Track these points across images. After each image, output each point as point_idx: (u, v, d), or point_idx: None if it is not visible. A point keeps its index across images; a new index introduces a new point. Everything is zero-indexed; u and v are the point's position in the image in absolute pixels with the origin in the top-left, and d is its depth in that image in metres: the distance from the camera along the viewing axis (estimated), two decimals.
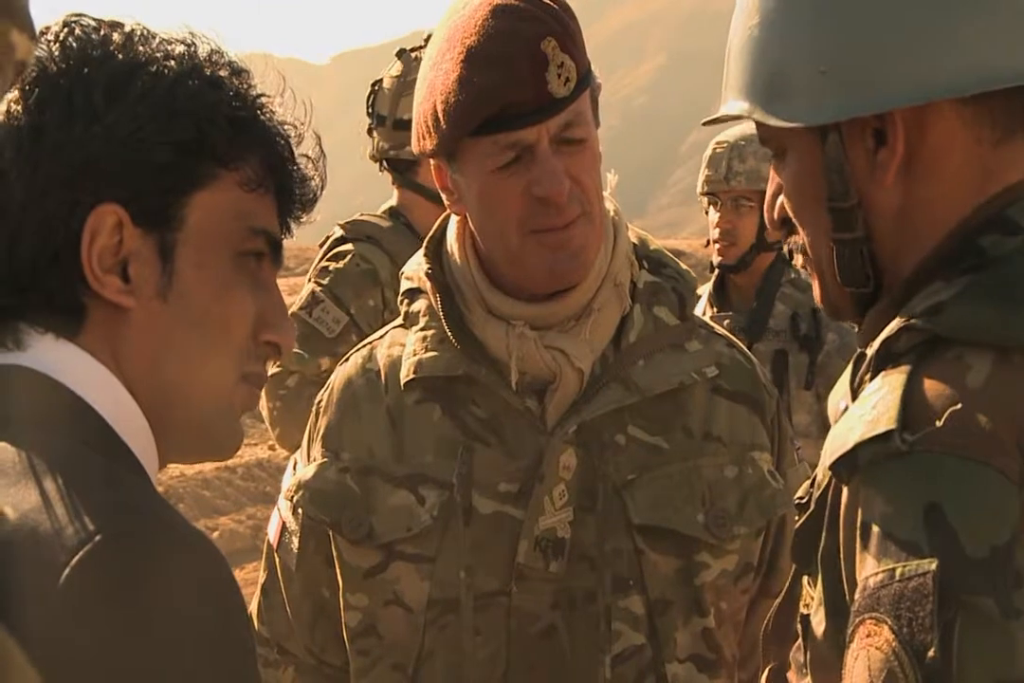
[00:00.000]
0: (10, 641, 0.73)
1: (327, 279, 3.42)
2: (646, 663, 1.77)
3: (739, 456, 1.84)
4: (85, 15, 1.20)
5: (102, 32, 1.18)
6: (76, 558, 0.96)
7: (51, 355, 1.13)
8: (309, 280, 3.50)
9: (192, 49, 1.21)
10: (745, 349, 1.95)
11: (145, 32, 1.20)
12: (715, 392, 1.86)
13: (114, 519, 1.01)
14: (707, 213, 4.16)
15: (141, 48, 1.18)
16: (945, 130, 1.24)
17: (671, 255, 1.93)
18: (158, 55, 1.18)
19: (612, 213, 1.85)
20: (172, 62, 1.18)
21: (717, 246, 4.09)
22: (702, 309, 4.09)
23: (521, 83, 1.65)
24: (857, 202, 1.26)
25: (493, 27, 1.66)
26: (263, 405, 3.44)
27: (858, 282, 1.29)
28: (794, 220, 1.34)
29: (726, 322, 3.91)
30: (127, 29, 1.20)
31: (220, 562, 1.04)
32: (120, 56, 1.17)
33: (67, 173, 1.13)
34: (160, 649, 0.97)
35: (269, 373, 3.38)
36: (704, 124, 1.45)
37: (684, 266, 1.92)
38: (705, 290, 4.15)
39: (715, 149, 4.11)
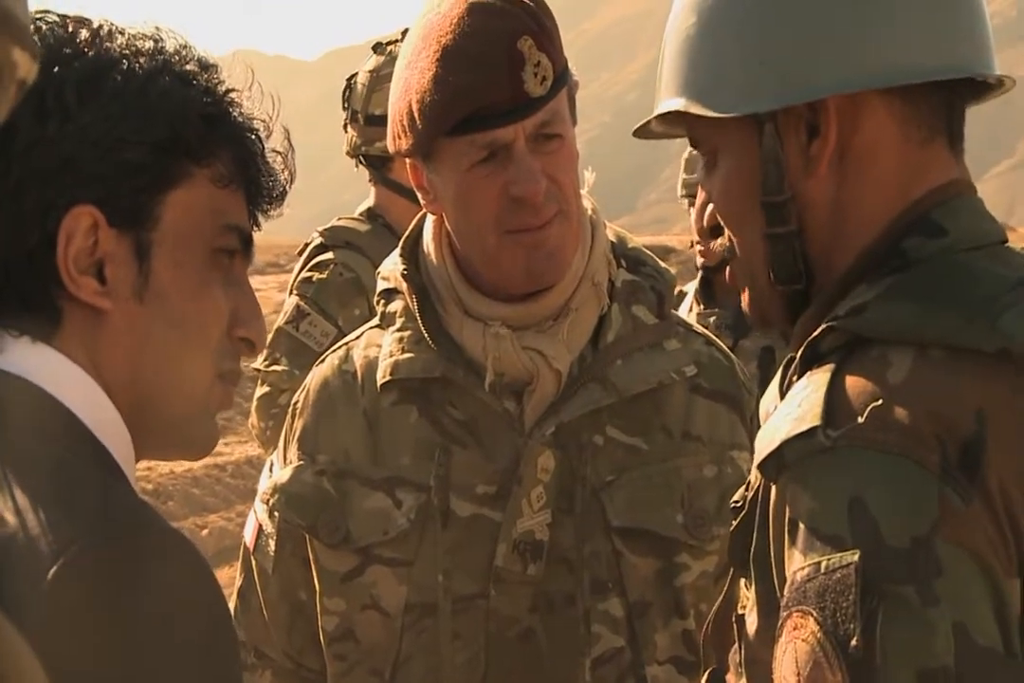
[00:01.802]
0: (20, 638, 0.72)
1: (311, 291, 3.35)
2: (626, 666, 1.76)
3: (718, 455, 1.83)
4: (50, 11, 1.18)
5: (69, 28, 1.16)
6: (55, 568, 0.95)
7: (27, 358, 1.11)
8: (291, 292, 3.43)
9: (160, 45, 1.19)
10: (724, 347, 1.94)
11: (112, 28, 1.18)
12: (694, 391, 1.85)
13: (91, 526, 1.00)
14: (689, 214, 4.17)
15: (109, 45, 1.17)
16: (876, 125, 1.27)
17: (649, 253, 1.92)
18: (127, 52, 1.17)
19: (589, 211, 1.84)
20: (142, 59, 1.17)
21: (699, 248, 4.10)
22: (688, 306, 4.08)
23: (497, 82, 1.63)
24: (791, 196, 1.28)
25: (469, 25, 1.64)
26: (255, 424, 3.40)
27: (791, 279, 1.31)
28: (724, 222, 1.36)
29: (712, 319, 3.91)
30: (94, 25, 1.18)
31: (201, 567, 1.03)
32: (89, 53, 1.15)
33: (41, 174, 1.11)
34: (143, 657, 0.96)
35: (259, 394, 3.33)
36: (634, 134, 1.46)
37: (663, 264, 1.91)
38: (691, 287, 4.15)
39: (691, 152, 4.12)
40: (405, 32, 3.55)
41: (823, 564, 1.08)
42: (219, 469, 11.11)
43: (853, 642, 1.05)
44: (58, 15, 1.18)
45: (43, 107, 1.11)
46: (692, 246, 4.28)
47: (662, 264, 1.90)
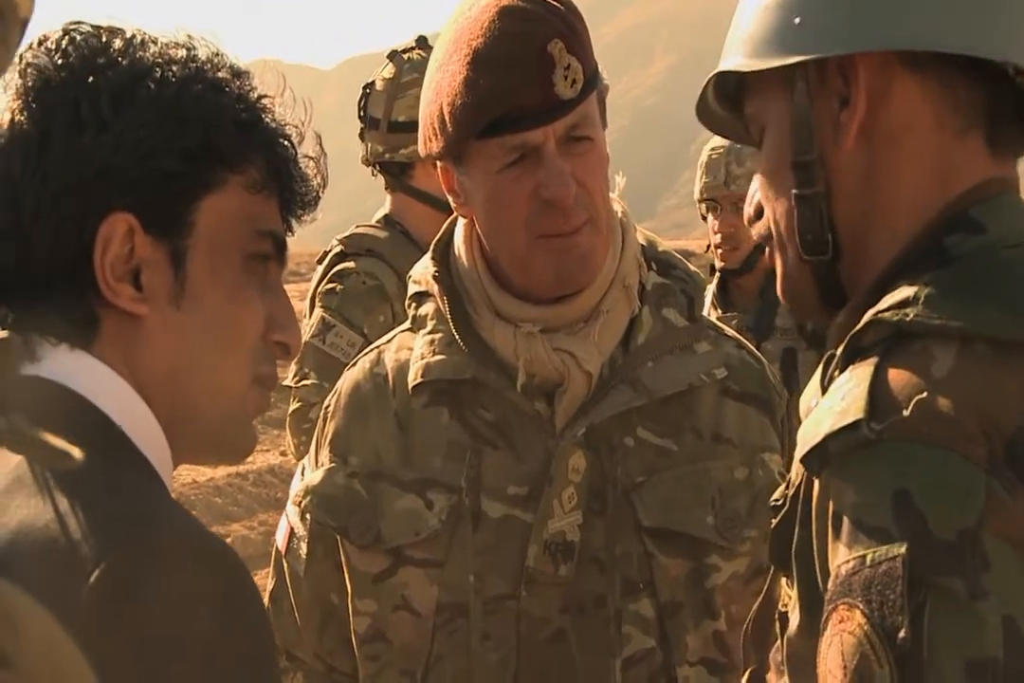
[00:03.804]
0: (72, 643, 0.73)
1: (335, 302, 3.34)
2: (656, 667, 1.76)
3: (749, 458, 1.83)
4: (84, 22, 1.19)
5: (103, 39, 1.18)
6: (96, 572, 0.97)
7: (66, 365, 1.13)
8: (312, 302, 3.42)
9: (192, 53, 1.20)
10: (754, 350, 1.94)
11: (145, 37, 1.19)
12: (724, 394, 1.85)
13: (131, 532, 1.01)
14: (705, 219, 4.17)
15: (143, 54, 1.18)
16: (909, 104, 1.28)
17: (680, 256, 1.92)
18: (161, 60, 1.18)
19: (620, 215, 1.84)
20: (175, 67, 1.18)
21: (719, 251, 4.10)
22: (706, 311, 4.08)
23: (528, 85, 1.64)
24: (817, 157, 1.30)
25: (500, 29, 1.65)
26: (288, 441, 3.41)
27: (818, 247, 1.32)
28: (763, 197, 1.38)
29: (733, 322, 3.92)
30: (128, 35, 1.19)
31: (229, 572, 1.04)
32: (123, 62, 1.16)
33: (77, 182, 1.12)
34: (176, 660, 0.97)
35: (291, 409, 3.34)
36: (698, 115, 1.49)
37: (693, 267, 1.92)
38: (708, 292, 4.15)
39: (711, 155, 4.12)
40: (419, 39, 3.56)
41: (868, 557, 1.08)
42: (241, 478, 11.12)
43: (901, 634, 1.04)
44: (91, 25, 1.19)
45: (79, 116, 1.13)
46: (708, 250, 4.29)
47: (692, 267, 1.91)
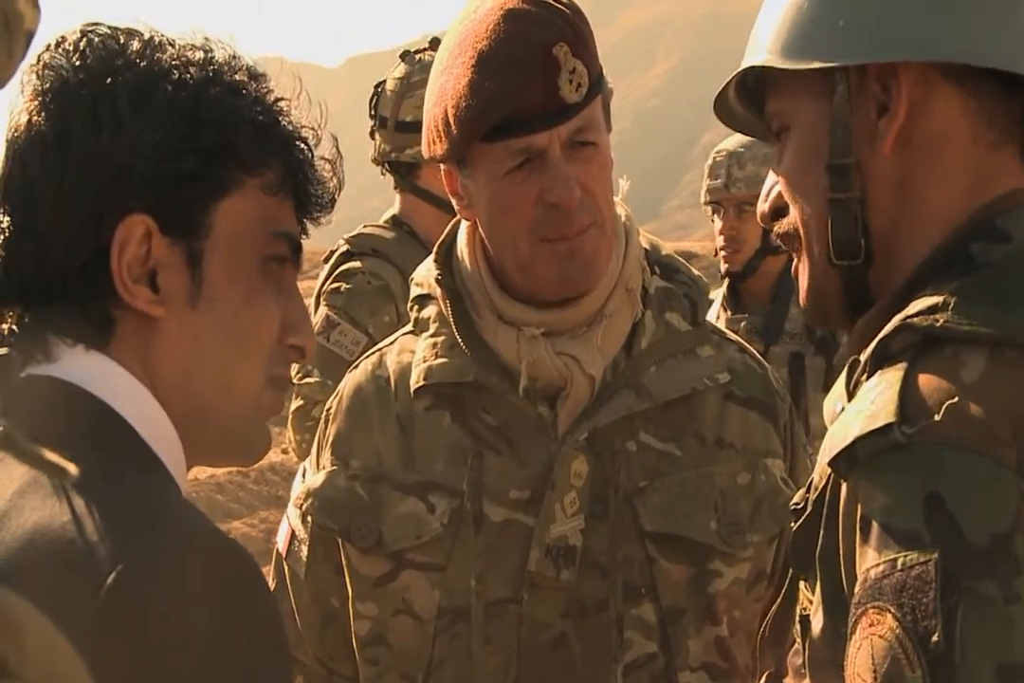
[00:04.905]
0: (69, 646, 0.73)
1: (340, 301, 3.35)
2: (658, 672, 1.76)
3: (752, 463, 1.83)
4: (101, 24, 1.19)
5: (121, 40, 1.18)
6: (114, 574, 0.97)
7: (81, 367, 1.13)
8: (319, 302, 3.43)
9: (210, 55, 1.21)
10: (757, 355, 1.94)
11: (163, 39, 1.20)
12: (727, 398, 1.85)
13: (147, 534, 1.01)
14: (713, 221, 4.19)
15: (160, 56, 1.18)
16: (947, 117, 1.28)
17: (683, 260, 1.92)
18: (178, 62, 1.18)
19: (623, 218, 1.84)
20: (193, 69, 1.18)
21: (723, 254, 4.11)
22: (716, 313, 4.09)
23: (533, 88, 1.64)
24: (855, 161, 1.30)
25: (505, 31, 1.65)
26: (291, 439, 3.42)
27: (851, 251, 1.31)
28: (790, 197, 1.37)
29: (742, 324, 3.92)
30: (145, 37, 1.19)
31: (242, 572, 1.04)
32: (141, 64, 1.17)
33: (95, 184, 1.13)
34: (192, 664, 0.97)
35: (293, 407, 3.34)
36: (716, 111, 1.47)
37: (696, 271, 1.91)
38: (718, 294, 4.15)
39: (715, 158, 4.15)
40: (432, 40, 3.56)
41: (900, 561, 1.08)
42: (242, 475, 11.14)
43: (934, 638, 1.04)
44: (109, 27, 1.19)
45: (96, 117, 1.13)
46: (716, 254, 4.29)
47: (695, 271, 1.90)
